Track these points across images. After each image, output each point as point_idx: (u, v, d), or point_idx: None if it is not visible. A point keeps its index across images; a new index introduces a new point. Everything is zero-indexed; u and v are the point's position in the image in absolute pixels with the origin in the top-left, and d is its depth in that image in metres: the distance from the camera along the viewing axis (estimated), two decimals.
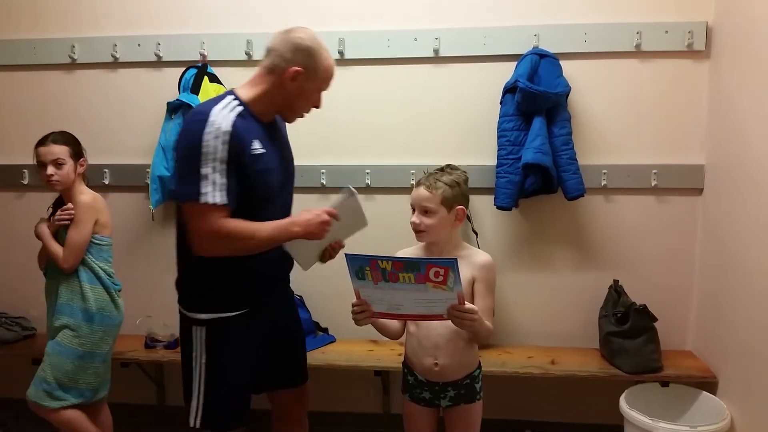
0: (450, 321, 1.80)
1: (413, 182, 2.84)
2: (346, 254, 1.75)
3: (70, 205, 2.46)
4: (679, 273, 2.86)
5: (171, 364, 2.93)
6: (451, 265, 1.67)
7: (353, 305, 1.82)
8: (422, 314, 1.80)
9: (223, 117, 1.80)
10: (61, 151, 2.43)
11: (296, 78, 1.87)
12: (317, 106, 2.00)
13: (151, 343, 2.96)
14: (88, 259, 2.46)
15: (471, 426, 2.06)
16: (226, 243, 1.83)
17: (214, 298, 1.97)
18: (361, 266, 1.73)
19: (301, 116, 2.02)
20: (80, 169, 2.49)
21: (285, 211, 2.03)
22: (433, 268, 1.68)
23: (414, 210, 1.98)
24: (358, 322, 1.85)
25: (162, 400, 3.24)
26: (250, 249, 1.87)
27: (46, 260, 2.51)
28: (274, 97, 1.92)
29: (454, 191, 1.95)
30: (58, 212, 2.46)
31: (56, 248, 2.44)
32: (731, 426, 2.40)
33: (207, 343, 1.94)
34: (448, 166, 2.03)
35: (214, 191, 1.78)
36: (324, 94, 2.01)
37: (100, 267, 2.49)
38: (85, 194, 2.48)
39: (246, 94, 1.91)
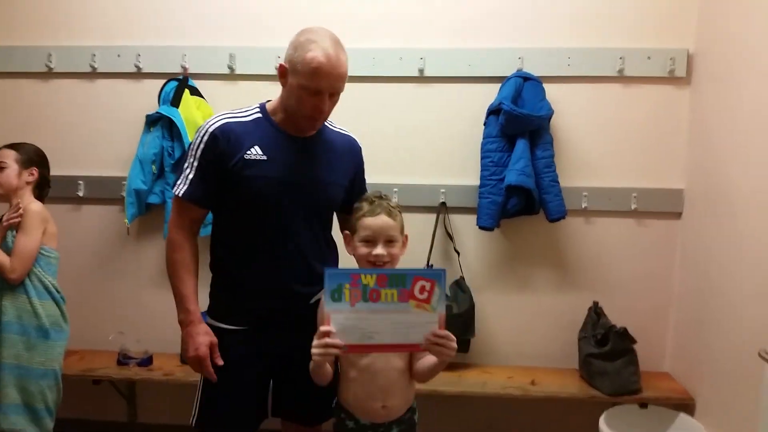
0: (418, 354, 1.76)
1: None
2: (325, 269, 1.63)
3: (18, 203, 2.34)
4: (657, 295, 2.89)
5: (143, 381, 2.86)
6: (439, 277, 1.62)
7: (320, 334, 1.61)
8: (397, 343, 1.66)
9: (215, 120, 1.84)
10: (5, 154, 2.37)
11: (284, 74, 1.81)
12: (318, 109, 1.78)
13: (123, 359, 2.88)
14: (37, 272, 2.36)
15: None
16: (168, 242, 1.90)
17: (215, 305, 1.97)
18: (340, 284, 1.61)
19: (310, 123, 1.85)
20: (29, 179, 2.40)
21: (285, 233, 1.86)
22: (419, 281, 1.62)
23: (371, 241, 1.80)
24: (318, 360, 1.65)
25: (133, 417, 3.15)
26: (168, 266, 1.89)
27: None
28: (284, 102, 1.86)
29: (402, 217, 1.88)
30: (7, 213, 2.33)
31: (1, 257, 2.30)
32: None
33: None
34: (379, 191, 1.92)
35: (183, 185, 1.85)
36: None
37: (49, 281, 2.39)
38: (34, 203, 2.39)
39: (270, 103, 1.92)
